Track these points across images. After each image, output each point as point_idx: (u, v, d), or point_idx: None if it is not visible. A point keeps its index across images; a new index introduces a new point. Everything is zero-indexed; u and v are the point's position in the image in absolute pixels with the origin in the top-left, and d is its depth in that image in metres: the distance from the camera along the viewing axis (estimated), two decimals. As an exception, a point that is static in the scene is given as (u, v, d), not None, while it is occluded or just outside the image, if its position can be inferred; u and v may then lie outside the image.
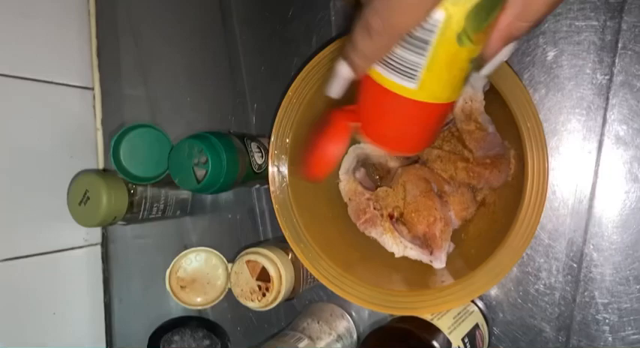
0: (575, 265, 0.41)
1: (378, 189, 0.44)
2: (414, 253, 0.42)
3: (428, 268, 0.42)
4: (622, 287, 0.41)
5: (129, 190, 0.48)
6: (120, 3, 0.57)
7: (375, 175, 0.48)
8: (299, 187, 0.42)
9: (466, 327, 0.39)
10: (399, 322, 0.38)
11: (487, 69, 0.28)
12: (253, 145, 0.46)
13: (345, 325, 0.48)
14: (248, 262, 0.42)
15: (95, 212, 0.45)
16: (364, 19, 0.23)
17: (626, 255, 0.41)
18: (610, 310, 0.41)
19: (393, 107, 0.27)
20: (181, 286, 0.43)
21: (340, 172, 0.46)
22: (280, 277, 0.41)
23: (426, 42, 0.24)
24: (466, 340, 0.37)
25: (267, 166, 0.42)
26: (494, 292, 0.44)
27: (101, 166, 0.54)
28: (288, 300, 0.44)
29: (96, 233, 0.58)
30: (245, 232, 0.53)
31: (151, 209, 0.51)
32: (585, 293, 0.41)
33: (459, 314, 0.39)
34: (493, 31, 0.25)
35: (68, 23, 0.56)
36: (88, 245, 0.58)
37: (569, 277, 0.42)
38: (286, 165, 0.42)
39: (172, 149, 0.41)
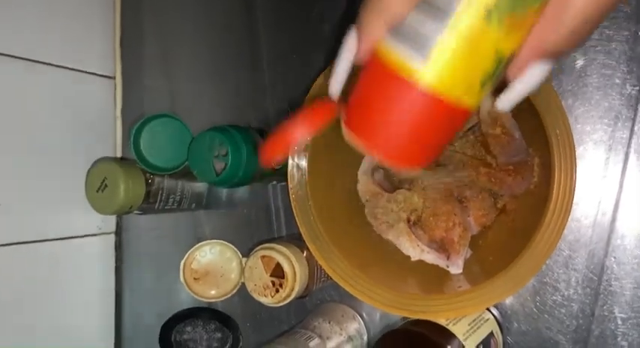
0: (595, 278, 0.41)
1: (397, 191, 0.44)
2: (430, 257, 0.42)
3: (444, 274, 0.41)
4: (642, 303, 0.40)
5: (146, 180, 0.48)
6: (146, -6, 0.57)
7: (394, 177, 0.47)
8: (318, 184, 0.42)
9: (481, 334, 0.38)
10: (414, 325, 0.37)
11: (507, 97, 0.22)
12: (273, 141, 0.46)
13: (355, 326, 0.48)
14: (263, 257, 0.41)
15: (112, 200, 0.45)
16: None
17: (649, 270, 0.40)
18: (629, 325, 0.40)
19: (391, 93, 0.22)
20: (195, 278, 0.43)
21: (359, 173, 0.46)
22: (295, 273, 0.41)
23: (450, 2, 0.20)
24: (481, 347, 0.37)
25: (286, 162, 0.42)
26: (509, 301, 0.44)
27: (119, 154, 0.54)
28: (300, 298, 0.44)
29: (110, 222, 0.59)
30: (259, 229, 0.53)
31: (167, 200, 0.51)
32: (604, 307, 0.40)
33: (474, 321, 0.39)
34: (526, 40, 0.21)
35: (93, 13, 0.57)
36: (102, 233, 0.58)
37: (589, 289, 0.41)
38: (306, 161, 0.42)
39: (193, 140, 0.41)
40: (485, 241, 0.43)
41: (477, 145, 0.42)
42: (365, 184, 0.45)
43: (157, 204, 0.50)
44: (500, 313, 0.43)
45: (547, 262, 0.42)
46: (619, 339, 0.40)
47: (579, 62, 0.42)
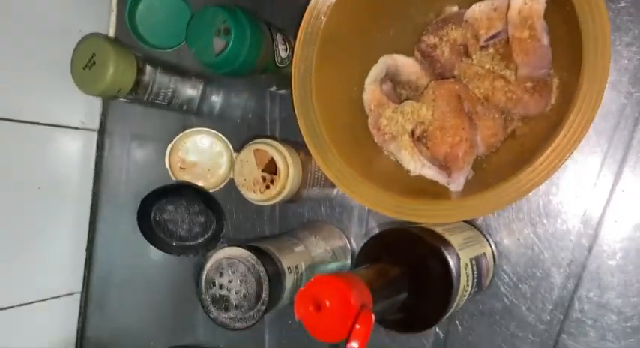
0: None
1: (405, 102, 0.41)
2: (431, 172, 0.40)
3: (443, 191, 0.39)
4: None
5: (138, 67, 0.45)
6: None
7: (402, 92, 0.45)
8: (323, 86, 0.39)
9: (475, 251, 0.36)
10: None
11: None
12: (279, 36, 0.43)
13: (341, 244, 0.46)
14: (256, 151, 0.39)
15: (99, 78, 0.42)
16: None
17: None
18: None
19: None
20: (181, 168, 0.40)
21: (367, 82, 0.43)
22: (288, 171, 0.38)
23: None
24: (473, 261, 0.35)
25: (290, 61, 0.39)
26: (505, 233, 0.42)
27: (112, 34, 0.50)
28: (288, 202, 0.42)
29: (94, 118, 0.55)
30: (252, 137, 0.50)
31: (158, 94, 0.47)
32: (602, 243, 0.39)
33: (469, 237, 0.37)
34: None
35: None
36: (85, 129, 0.55)
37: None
38: (313, 60, 0.39)
39: (194, 15, 0.38)
40: (490, 165, 0.41)
41: (496, 57, 0.39)
42: (371, 93, 0.42)
43: (146, 95, 0.46)
44: (496, 244, 0.42)
45: (546, 194, 0.41)
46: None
47: None
